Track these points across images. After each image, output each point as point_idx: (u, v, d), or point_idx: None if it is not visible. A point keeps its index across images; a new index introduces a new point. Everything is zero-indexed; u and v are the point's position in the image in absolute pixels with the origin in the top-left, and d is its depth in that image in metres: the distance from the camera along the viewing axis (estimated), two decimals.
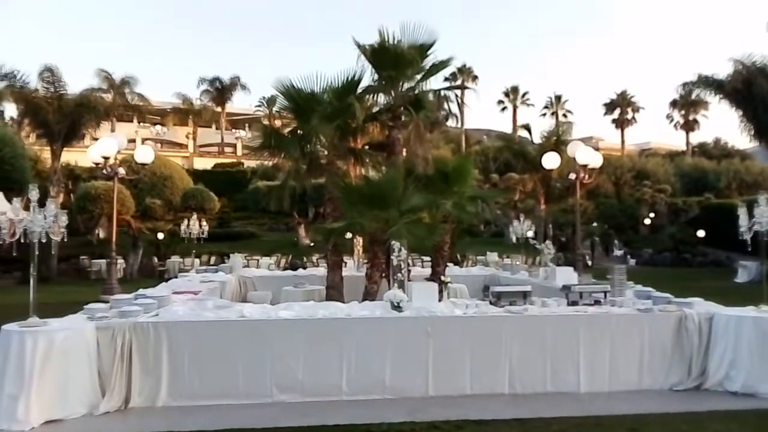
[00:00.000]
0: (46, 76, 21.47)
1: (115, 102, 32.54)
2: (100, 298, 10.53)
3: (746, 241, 6.23)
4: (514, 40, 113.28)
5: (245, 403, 5.64)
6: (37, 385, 4.99)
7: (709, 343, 6.21)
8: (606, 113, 52.67)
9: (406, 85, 10.52)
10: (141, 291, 7.45)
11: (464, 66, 46.75)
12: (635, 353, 6.19)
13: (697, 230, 26.82)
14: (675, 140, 54.44)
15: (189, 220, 20.18)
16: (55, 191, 20.47)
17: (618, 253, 26.11)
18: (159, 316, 6.01)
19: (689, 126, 50.67)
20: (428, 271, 11.38)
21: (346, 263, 11.49)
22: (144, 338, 5.65)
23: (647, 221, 31.03)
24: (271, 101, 38.56)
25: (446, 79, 37.70)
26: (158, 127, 51.07)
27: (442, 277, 9.88)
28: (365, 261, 11.17)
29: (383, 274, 9.33)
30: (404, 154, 10.37)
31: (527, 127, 29.09)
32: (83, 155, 21.77)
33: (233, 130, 53.76)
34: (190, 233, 19.88)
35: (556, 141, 22.23)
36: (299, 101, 10.23)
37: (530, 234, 14.70)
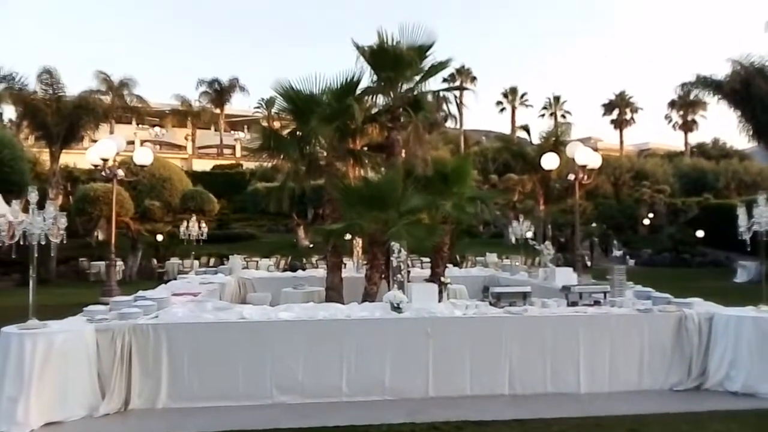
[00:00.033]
0: (44, 77, 21.46)
1: (114, 104, 32.60)
2: (99, 300, 10.54)
3: (745, 241, 6.24)
4: (513, 40, 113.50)
5: (245, 405, 5.64)
6: (36, 387, 4.99)
7: (709, 343, 6.21)
8: (604, 114, 52.78)
9: (405, 87, 10.53)
10: (140, 293, 7.43)
11: (463, 67, 46.81)
12: (635, 353, 6.19)
13: (696, 230, 26.85)
14: (673, 141, 54.60)
15: (188, 222, 20.19)
16: (53, 193, 20.47)
17: (617, 253, 26.13)
18: (159, 318, 6.01)
19: (688, 126, 50.76)
20: (427, 272, 11.38)
21: (345, 264, 11.49)
22: (144, 340, 5.64)
23: (646, 221, 31.07)
24: (269, 103, 38.60)
25: (445, 80, 37.71)
26: (157, 128, 51.06)
27: (442, 278, 9.88)
28: (365, 262, 11.17)
29: (383, 276, 9.33)
30: (403, 155, 10.37)
31: (526, 128, 29.22)
32: (82, 157, 21.73)
33: (232, 132, 53.75)
34: (189, 235, 19.89)
35: (555, 142, 22.25)
36: (298, 102, 10.24)
37: (529, 235, 14.71)
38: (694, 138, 52.33)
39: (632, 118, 52.25)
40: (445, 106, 32.20)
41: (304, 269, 14.97)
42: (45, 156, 23.78)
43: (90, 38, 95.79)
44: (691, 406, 5.62)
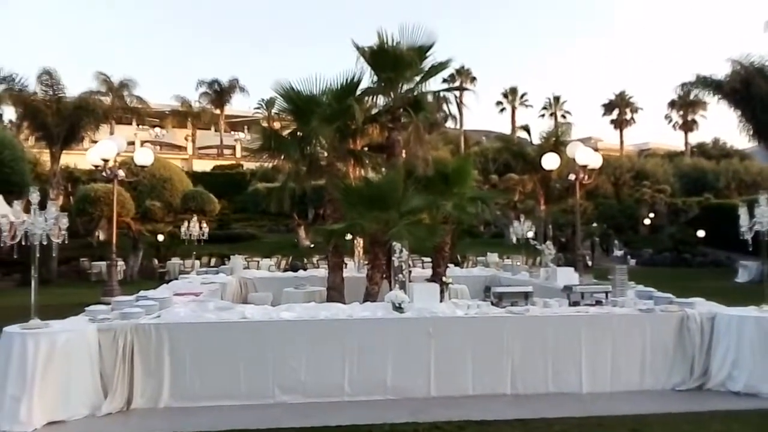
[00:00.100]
0: (44, 79, 21.49)
1: (114, 105, 32.61)
2: (100, 299, 10.55)
3: (747, 240, 6.24)
4: (513, 41, 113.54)
5: (247, 404, 5.64)
6: (39, 387, 5.00)
7: (711, 343, 6.20)
8: (604, 114, 52.79)
9: (406, 87, 10.54)
10: (142, 293, 7.44)
11: (463, 67, 46.81)
12: (637, 353, 6.18)
13: (696, 230, 26.85)
14: (674, 140, 54.60)
15: (189, 222, 20.19)
16: (54, 194, 20.50)
17: (618, 253, 26.13)
18: (161, 318, 6.01)
19: (688, 126, 50.76)
20: (429, 272, 11.38)
21: (346, 264, 11.50)
22: (146, 340, 5.65)
23: (647, 221, 31.08)
24: (270, 103, 38.63)
25: (445, 81, 37.70)
26: (157, 129, 51.09)
27: (443, 278, 9.89)
28: (366, 262, 11.18)
29: (384, 275, 9.33)
30: (404, 155, 10.38)
31: (526, 128, 29.24)
32: (82, 158, 21.73)
33: (232, 133, 53.77)
34: (190, 235, 19.89)
35: (556, 142, 22.28)
36: (299, 103, 10.25)
37: (530, 235, 14.70)
38: (695, 138, 52.42)
39: (632, 118, 52.26)
40: (445, 107, 32.21)
41: (305, 269, 14.99)
42: (45, 157, 23.81)
43: (90, 39, 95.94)
44: (693, 406, 5.61)
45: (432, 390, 5.91)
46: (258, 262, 18.21)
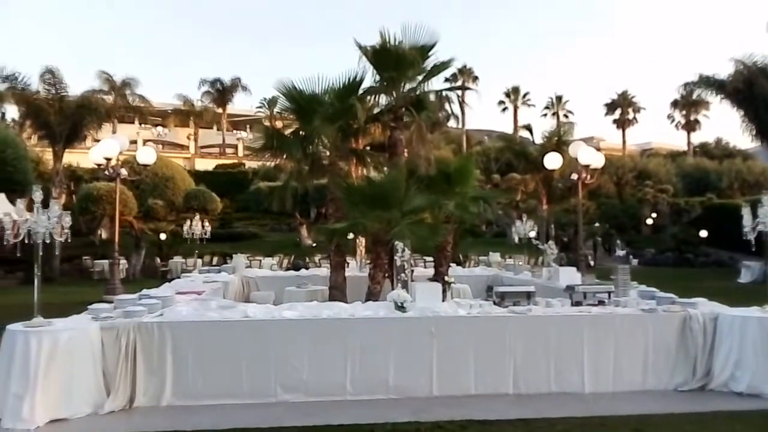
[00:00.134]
0: (47, 77, 21.49)
1: (117, 103, 32.59)
2: (103, 298, 10.58)
3: (750, 241, 6.23)
4: (515, 40, 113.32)
5: (249, 403, 5.64)
6: (42, 385, 5.01)
7: (713, 344, 6.19)
8: (607, 113, 52.73)
9: (408, 86, 10.54)
10: (145, 291, 7.46)
11: (465, 67, 46.82)
12: (639, 353, 6.17)
13: (699, 230, 26.80)
14: (676, 140, 54.51)
15: (191, 221, 20.21)
16: (57, 192, 20.49)
17: (620, 253, 26.06)
18: (163, 316, 6.02)
19: (690, 126, 50.67)
20: (431, 271, 11.39)
21: (348, 264, 11.50)
22: (148, 338, 5.66)
23: (649, 221, 31.02)
24: (272, 102, 38.59)
25: (447, 80, 37.52)
26: (159, 128, 51.14)
27: (446, 278, 9.89)
28: (368, 261, 11.17)
29: (386, 275, 9.33)
30: (406, 154, 10.37)
31: (528, 128, 29.21)
32: (85, 156, 21.81)
33: (234, 131, 53.84)
34: (192, 234, 19.92)
35: (558, 141, 22.27)
36: (301, 102, 10.25)
37: (532, 234, 14.68)
38: (697, 138, 52.32)
39: (635, 117, 52.20)
40: (447, 106, 32.09)
41: (307, 268, 15.01)
42: (48, 155, 23.82)
43: (92, 38, 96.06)
44: (695, 406, 5.60)
45: (434, 389, 5.90)
46: (260, 261, 18.21)
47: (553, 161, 13.70)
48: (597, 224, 26.99)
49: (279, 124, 12.64)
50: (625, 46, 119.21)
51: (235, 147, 52.18)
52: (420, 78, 10.58)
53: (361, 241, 13.90)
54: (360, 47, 10.30)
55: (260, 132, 12.01)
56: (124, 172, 13.64)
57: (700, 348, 6.18)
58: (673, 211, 32.13)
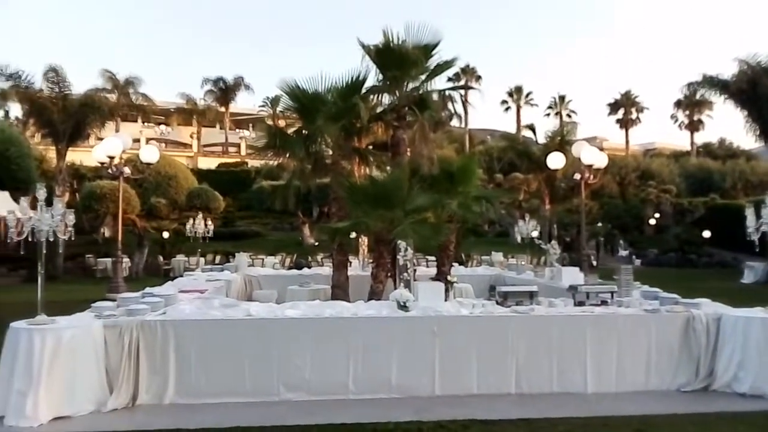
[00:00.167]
0: (50, 76, 21.55)
1: (120, 102, 32.57)
2: (106, 296, 10.59)
3: (753, 241, 6.21)
4: (518, 40, 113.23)
5: (252, 401, 5.65)
6: (45, 382, 5.02)
7: (716, 344, 6.17)
8: (610, 113, 52.66)
9: (411, 86, 10.53)
10: (147, 289, 7.47)
11: (468, 66, 46.78)
12: (642, 354, 6.16)
13: (702, 231, 26.73)
14: (679, 140, 54.38)
15: (194, 219, 20.25)
16: (60, 190, 20.56)
17: (623, 253, 26.02)
18: (166, 315, 6.03)
19: (694, 126, 50.55)
20: (433, 270, 11.38)
21: (351, 263, 11.50)
22: (151, 336, 5.67)
23: (652, 221, 30.96)
24: (274, 101, 38.68)
25: (450, 80, 37.39)
26: (162, 126, 51.26)
27: (448, 277, 9.89)
28: (370, 260, 11.17)
29: (389, 274, 9.33)
30: (409, 154, 10.37)
31: (531, 127, 29.08)
32: (88, 155, 21.86)
33: (237, 130, 53.90)
34: (195, 232, 19.97)
35: (561, 141, 22.22)
36: (304, 101, 10.25)
37: (535, 234, 14.67)
38: (701, 138, 52.23)
39: (638, 117, 52.16)
40: (450, 105, 32.17)
41: (309, 267, 15.04)
42: (51, 153, 23.92)
43: (95, 37, 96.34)
44: (698, 407, 5.59)
45: (436, 389, 5.90)
46: (263, 259, 18.26)
47: (556, 161, 13.66)
48: (600, 224, 26.94)
49: (282, 123, 12.66)
50: (628, 46, 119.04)
51: (238, 146, 52.23)
52: (423, 77, 10.56)
53: (364, 241, 13.87)
54: (363, 46, 10.30)
55: (263, 131, 12.01)
56: (127, 170, 13.65)
57: (703, 348, 6.16)
58: (676, 211, 32.07)
